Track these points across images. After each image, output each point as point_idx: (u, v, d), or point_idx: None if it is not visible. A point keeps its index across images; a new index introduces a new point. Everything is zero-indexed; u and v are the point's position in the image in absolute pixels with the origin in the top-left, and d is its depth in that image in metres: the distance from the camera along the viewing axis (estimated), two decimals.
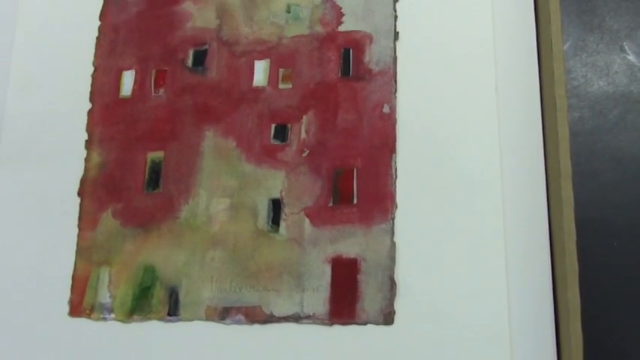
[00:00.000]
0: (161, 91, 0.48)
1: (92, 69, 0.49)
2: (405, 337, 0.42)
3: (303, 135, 0.46)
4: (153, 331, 0.44)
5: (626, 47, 0.50)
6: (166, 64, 0.49)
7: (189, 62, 0.49)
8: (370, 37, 0.47)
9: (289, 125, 0.46)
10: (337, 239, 0.44)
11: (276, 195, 0.45)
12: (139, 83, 0.49)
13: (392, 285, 0.43)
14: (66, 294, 0.45)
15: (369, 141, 0.45)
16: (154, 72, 0.49)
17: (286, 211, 0.45)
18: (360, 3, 0.48)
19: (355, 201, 0.44)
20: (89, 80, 0.49)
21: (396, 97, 0.46)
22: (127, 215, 0.46)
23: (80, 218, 0.47)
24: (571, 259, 0.39)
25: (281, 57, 0.48)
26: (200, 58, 0.49)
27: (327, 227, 0.44)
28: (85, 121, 0.48)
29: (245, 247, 0.45)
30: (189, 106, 0.48)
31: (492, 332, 0.41)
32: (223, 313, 0.44)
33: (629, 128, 0.48)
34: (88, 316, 0.45)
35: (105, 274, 0.45)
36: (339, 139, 0.46)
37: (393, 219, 0.44)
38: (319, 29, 0.48)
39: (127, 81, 0.49)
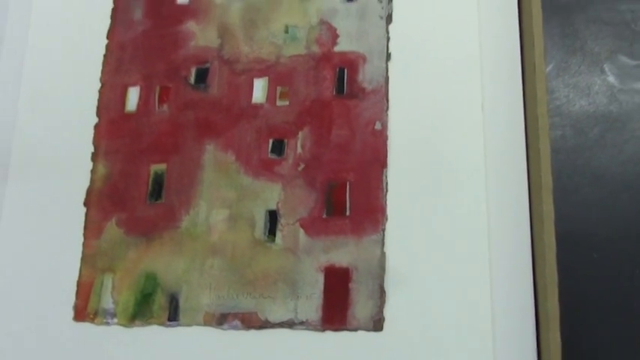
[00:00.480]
0: (165, 106, 0.49)
1: (99, 85, 0.50)
2: (394, 343, 0.42)
3: (299, 150, 0.47)
4: (153, 335, 0.44)
5: (607, 69, 0.50)
6: (170, 81, 0.49)
7: (192, 79, 0.49)
8: (364, 58, 0.48)
9: (286, 140, 0.47)
10: (330, 249, 0.44)
11: (273, 206, 0.46)
12: (144, 99, 0.49)
13: (382, 293, 0.43)
14: (71, 299, 0.46)
15: (362, 156, 0.46)
16: (158, 88, 0.49)
17: (282, 221, 0.45)
18: (355, 25, 0.48)
19: (348, 213, 0.45)
20: (96, 96, 0.50)
21: (387, 115, 0.46)
22: (130, 224, 0.47)
23: (86, 227, 0.47)
24: (551, 270, 0.39)
25: (279, 75, 0.48)
26: (202, 75, 0.49)
27: (321, 237, 0.45)
28: (92, 135, 0.49)
29: (242, 255, 0.45)
30: (191, 121, 0.48)
31: (477, 339, 0.42)
32: (221, 319, 0.44)
33: (608, 146, 0.48)
34: (92, 320, 0.45)
35: (108, 281, 0.46)
36: (333, 153, 0.46)
37: (383, 230, 0.44)
38: (315, 49, 0.49)
39: (132, 97, 0.49)
